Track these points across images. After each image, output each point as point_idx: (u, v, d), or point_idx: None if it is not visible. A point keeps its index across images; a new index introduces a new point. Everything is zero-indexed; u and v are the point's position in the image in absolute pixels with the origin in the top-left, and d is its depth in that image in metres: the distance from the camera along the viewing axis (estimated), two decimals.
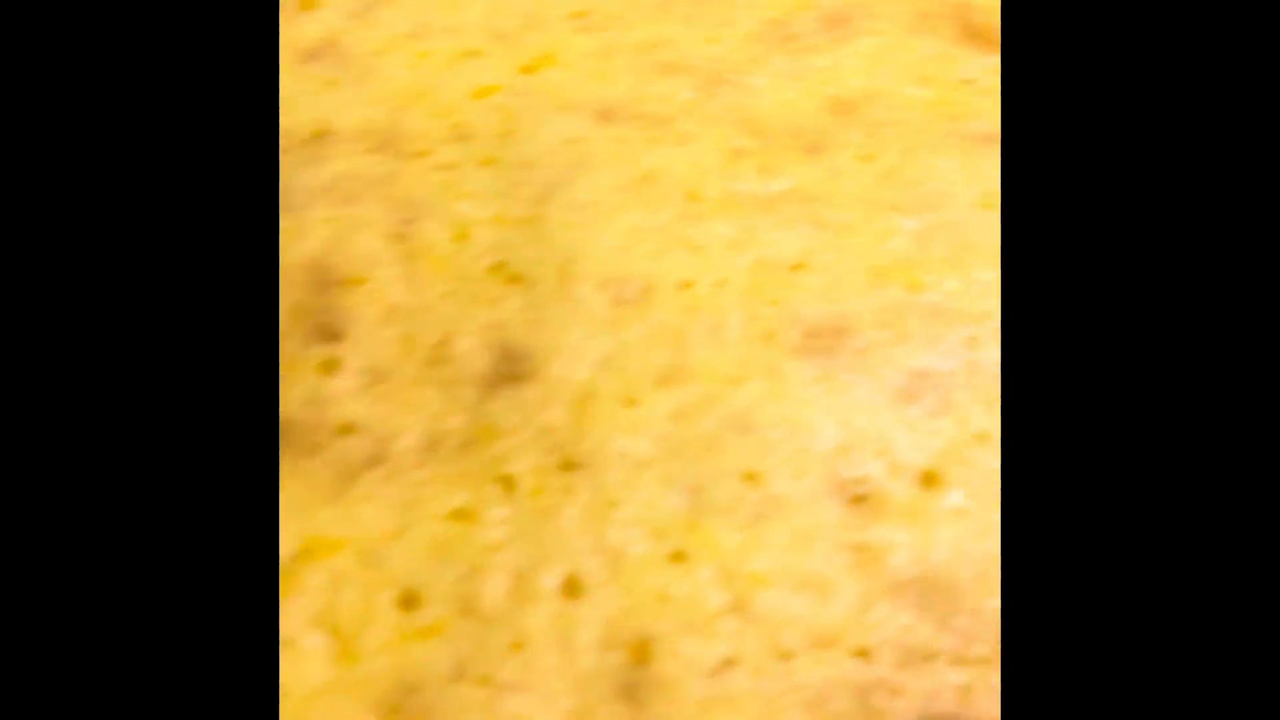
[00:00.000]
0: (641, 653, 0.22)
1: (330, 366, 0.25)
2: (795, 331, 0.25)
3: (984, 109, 0.30)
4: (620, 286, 0.26)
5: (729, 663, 0.22)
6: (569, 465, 0.23)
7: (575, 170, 0.28)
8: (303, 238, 0.27)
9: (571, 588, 0.22)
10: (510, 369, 0.25)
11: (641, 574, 0.22)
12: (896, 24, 0.31)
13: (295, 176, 0.28)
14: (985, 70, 0.31)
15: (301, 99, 0.30)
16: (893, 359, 0.25)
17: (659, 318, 0.25)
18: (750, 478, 0.23)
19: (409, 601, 0.22)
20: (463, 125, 0.29)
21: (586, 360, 0.25)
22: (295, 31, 0.31)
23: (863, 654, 0.22)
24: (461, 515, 0.23)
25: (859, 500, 0.23)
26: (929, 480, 0.24)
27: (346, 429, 0.24)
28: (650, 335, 0.25)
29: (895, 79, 0.30)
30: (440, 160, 0.28)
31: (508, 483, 0.23)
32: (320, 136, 0.29)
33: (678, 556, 0.23)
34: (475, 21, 0.32)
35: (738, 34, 0.31)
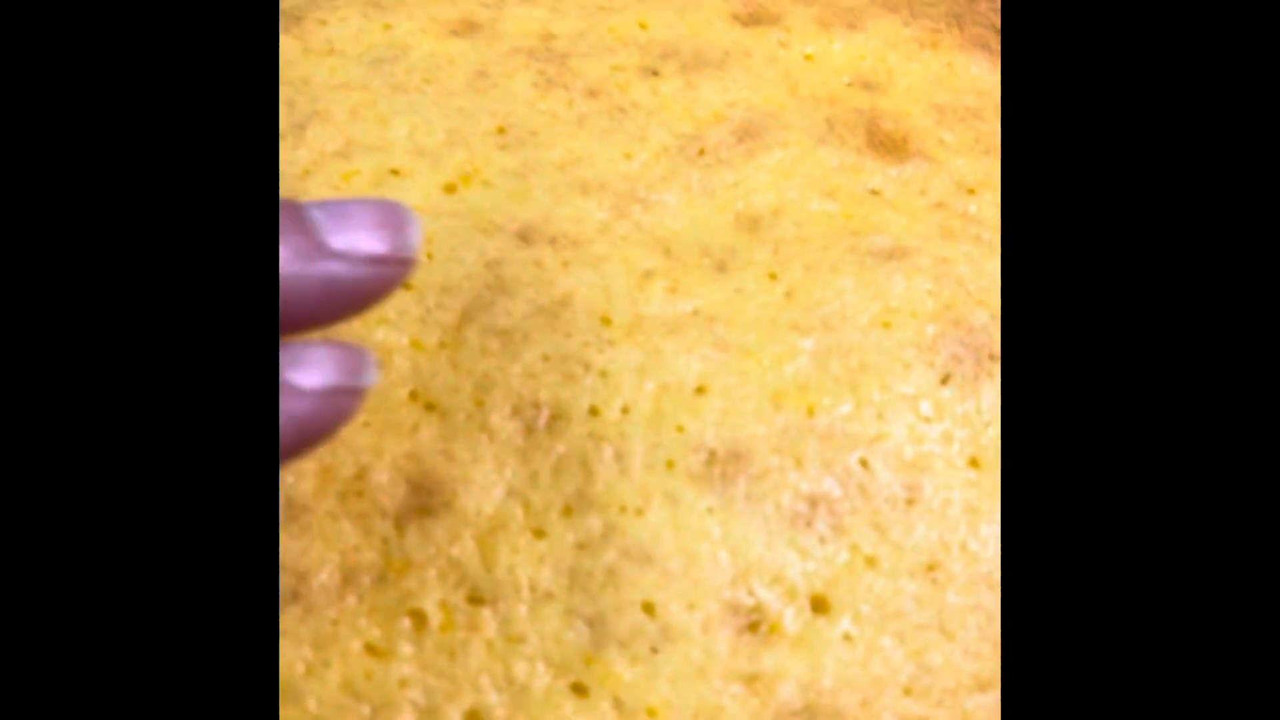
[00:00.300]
0: None
1: None
2: (696, 459, 0.26)
3: (886, 222, 0.31)
4: (532, 414, 0.27)
5: None
6: (477, 599, 0.25)
7: (493, 294, 0.29)
8: None
9: None
10: (423, 501, 0.26)
11: (543, 708, 0.24)
12: (806, 134, 0.33)
13: None
14: (890, 180, 0.32)
15: None
16: (788, 484, 0.26)
17: (567, 446, 0.27)
18: (648, 608, 0.25)
19: None
20: None
21: (496, 491, 0.26)
22: None
23: None
24: (374, 651, 0.24)
25: (752, 628, 0.25)
26: (819, 606, 0.25)
27: None
28: (559, 464, 0.26)
29: (803, 192, 0.32)
30: None
31: (418, 617, 0.25)
32: None
33: (579, 689, 0.24)
34: (401, 139, 0.33)
35: (651, 149, 0.32)
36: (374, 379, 0.23)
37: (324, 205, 0.23)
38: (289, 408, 0.21)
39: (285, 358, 0.22)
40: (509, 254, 0.30)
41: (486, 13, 0.36)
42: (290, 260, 0.21)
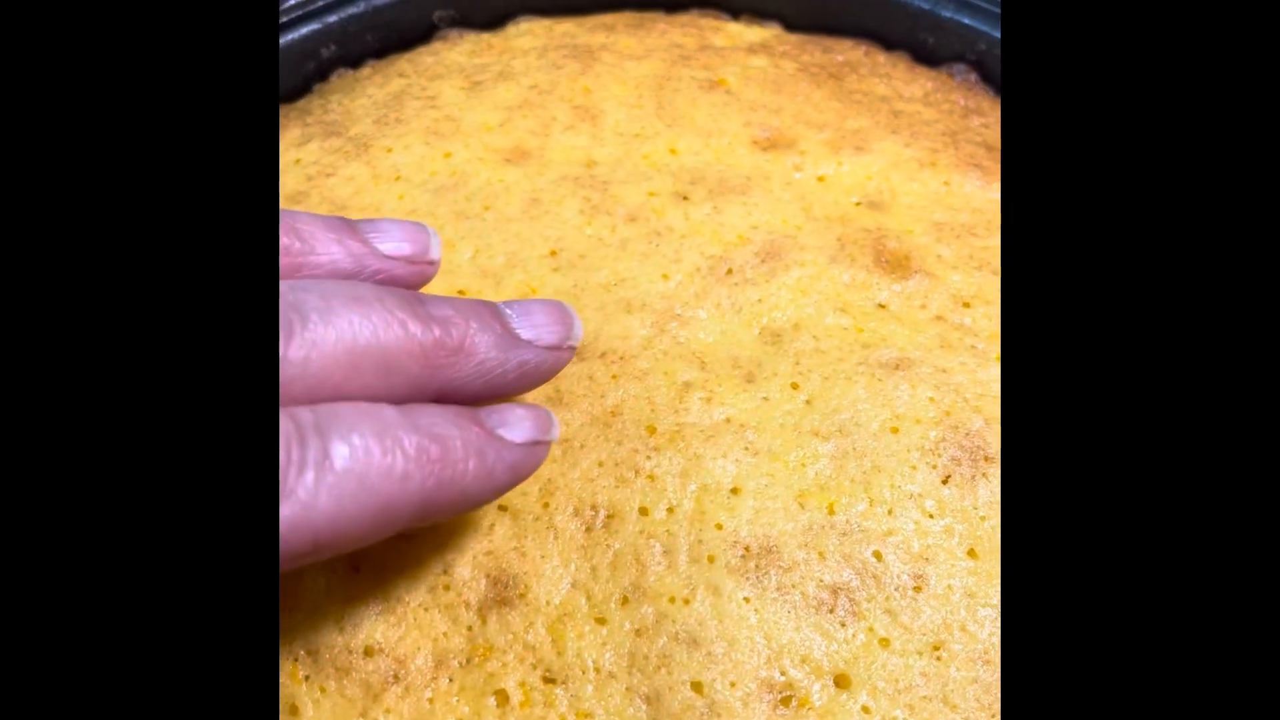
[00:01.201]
0: None
1: (351, 596, 0.30)
2: (733, 554, 0.31)
3: (892, 335, 0.35)
4: (590, 515, 0.32)
5: None
6: (550, 679, 0.29)
7: (553, 406, 0.34)
8: None
9: None
10: (501, 593, 0.30)
11: None
12: (821, 254, 0.37)
13: None
14: (894, 295, 0.37)
15: None
16: (813, 575, 0.31)
17: (622, 543, 0.31)
18: (697, 687, 0.29)
19: None
20: None
21: (563, 583, 0.31)
22: None
23: None
24: None
25: (785, 703, 0.29)
26: (841, 682, 0.29)
27: (370, 651, 0.30)
28: (615, 559, 0.31)
29: (819, 307, 0.36)
30: None
31: (501, 696, 0.29)
32: None
33: None
34: (466, 262, 0.37)
35: (685, 270, 0.37)
36: (557, 434, 0.29)
37: (511, 304, 0.29)
38: (505, 456, 0.27)
39: (496, 418, 0.28)
40: (565, 369, 0.34)
41: (535, 140, 0.41)
42: (493, 345, 0.28)
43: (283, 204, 0.40)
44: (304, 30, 0.45)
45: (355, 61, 0.47)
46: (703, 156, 0.41)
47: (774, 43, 0.46)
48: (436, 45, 0.47)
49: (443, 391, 0.28)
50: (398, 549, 0.31)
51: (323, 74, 0.46)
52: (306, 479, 0.23)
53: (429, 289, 0.36)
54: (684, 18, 0.48)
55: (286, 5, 0.45)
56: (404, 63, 0.46)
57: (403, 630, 0.30)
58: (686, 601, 0.30)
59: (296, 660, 0.30)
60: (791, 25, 0.48)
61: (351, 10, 0.46)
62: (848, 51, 0.46)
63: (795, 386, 0.34)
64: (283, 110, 0.45)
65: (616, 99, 0.43)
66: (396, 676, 0.29)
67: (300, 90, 0.46)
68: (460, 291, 0.36)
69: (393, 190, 0.40)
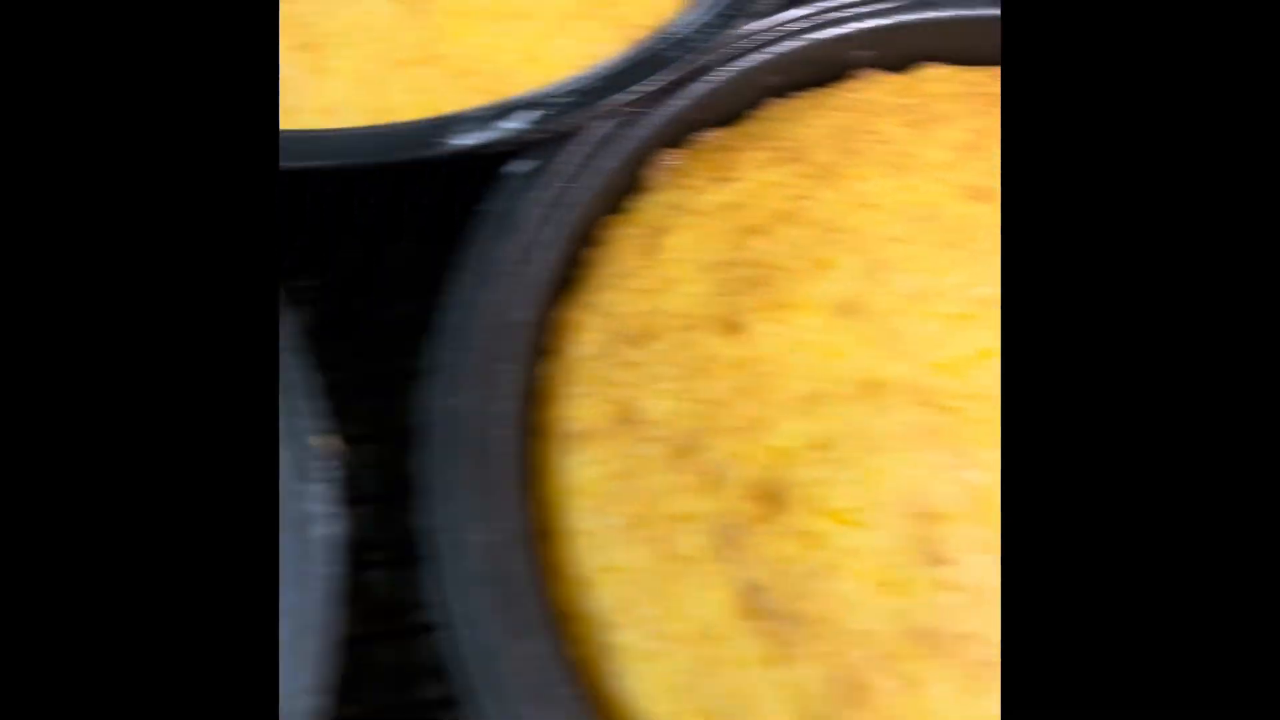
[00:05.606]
0: None
1: None
2: None
3: None
4: None
5: None
6: None
7: None
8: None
9: None
10: None
11: None
12: None
13: None
14: None
15: (854, 350, 0.39)
16: None
17: None
18: None
19: None
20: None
21: None
22: (824, 288, 0.41)
23: None
24: None
25: None
26: None
27: None
28: None
29: None
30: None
31: None
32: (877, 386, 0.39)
33: None
34: (951, 288, 0.41)
35: None
36: None
37: None
38: None
39: None
40: None
41: (991, 181, 0.45)
42: None
43: (764, 221, 0.44)
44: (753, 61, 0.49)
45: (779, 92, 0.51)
46: None
47: None
48: (856, 84, 0.51)
49: None
50: None
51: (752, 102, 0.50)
52: None
53: None
54: None
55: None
56: (832, 98, 0.50)
57: None
58: None
59: None
60: None
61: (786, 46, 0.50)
62: None
63: None
64: (727, 133, 0.49)
65: None
66: None
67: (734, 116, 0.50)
68: (963, 317, 0.41)
69: (872, 218, 0.44)
